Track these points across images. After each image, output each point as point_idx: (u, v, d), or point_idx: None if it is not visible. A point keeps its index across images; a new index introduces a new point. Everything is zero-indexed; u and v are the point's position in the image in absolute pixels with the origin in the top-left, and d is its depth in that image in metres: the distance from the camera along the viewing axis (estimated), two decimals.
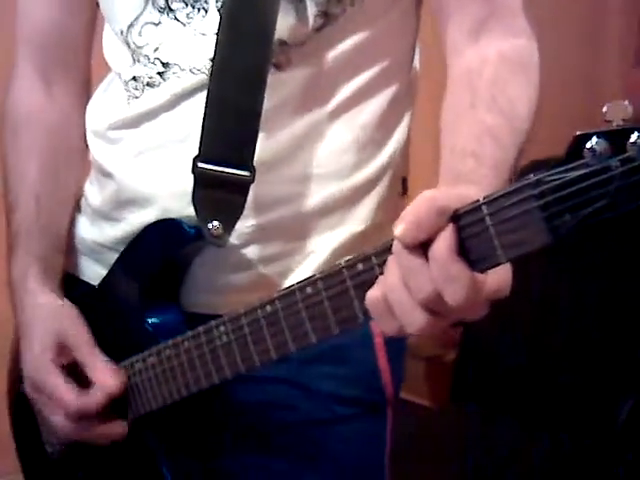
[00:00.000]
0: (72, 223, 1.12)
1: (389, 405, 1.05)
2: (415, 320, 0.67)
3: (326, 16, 0.93)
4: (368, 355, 1.03)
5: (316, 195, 0.97)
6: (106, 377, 0.99)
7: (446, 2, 0.93)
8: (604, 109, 0.59)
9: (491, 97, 0.84)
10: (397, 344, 1.06)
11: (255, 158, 0.93)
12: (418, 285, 0.66)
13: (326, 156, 0.97)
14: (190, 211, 0.94)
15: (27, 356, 1.03)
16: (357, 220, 0.99)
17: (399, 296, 0.67)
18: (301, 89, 0.95)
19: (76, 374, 1.00)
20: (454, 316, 0.68)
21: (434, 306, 0.66)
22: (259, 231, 0.97)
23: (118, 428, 1.01)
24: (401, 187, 1.06)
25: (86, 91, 1.15)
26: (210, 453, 1.03)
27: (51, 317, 1.02)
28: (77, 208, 1.13)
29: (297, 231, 0.98)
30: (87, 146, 1.11)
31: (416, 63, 1.05)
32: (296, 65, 0.94)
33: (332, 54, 0.95)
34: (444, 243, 0.65)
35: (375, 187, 1.01)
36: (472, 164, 0.78)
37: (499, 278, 0.68)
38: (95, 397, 0.98)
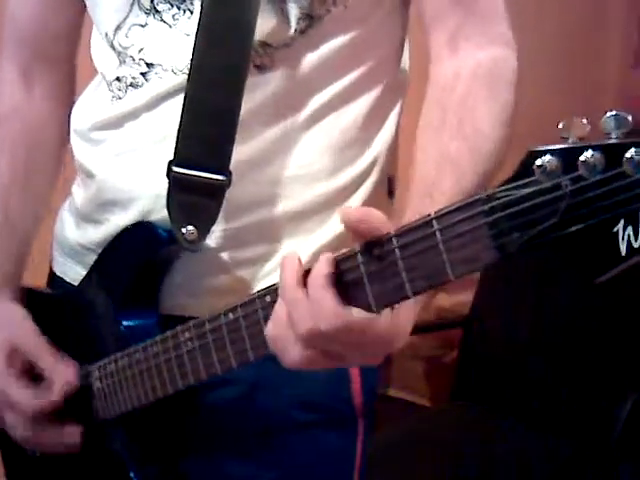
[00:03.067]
0: (59, 223, 1.12)
1: (359, 417, 1.02)
2: (291, 353, 0.72)
3: (310, 18, 0.92)
4: None
5: (296, 198, 0.96)
6: (60, 367, 1.00)
7: (425, 10, 0.92)
8: (560, 125, 0.58)
9: (458, 121, 0.85)
10: None
11: (233, 160, 0.92)
12: (297, 318, 0.70)
13: (307, 158, 0.96)
14: None
15: None
16: (339, 222, 0.98)
17: (283, 330, 0.72)
18: (283, 91, 0.94)
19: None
20: (336, 354, 0.72)
21: (314, 341, 0.70)
22: (236, 234, 0.95)
23: (72, 432, 1.01)
24: (387, 187, 1.04)
25: (70, 91, 1.14)
26: (177, 456, 1.02)
27: (1, 328, 1.04)
28: (66, 208, 1.12)
29: (275, 234, 0.97)
30: (65, 144, 1.11)
31: (405, 62, 1.04)
32: (279, 67, 0.93)
33: (316, 56, 0.94)
34: (318, 272, 0.70)
35: (360, 187, 0.99)
36: (428, 204, 0.79)
37: (393, 324, 0.71)
38: (51, 391, 0.99)
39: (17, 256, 1.10)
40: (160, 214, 0.95)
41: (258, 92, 0.92)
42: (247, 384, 0.98)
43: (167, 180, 0.92)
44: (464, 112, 0.85)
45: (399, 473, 1.89)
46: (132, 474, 1.00)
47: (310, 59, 0.93)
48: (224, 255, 0.96)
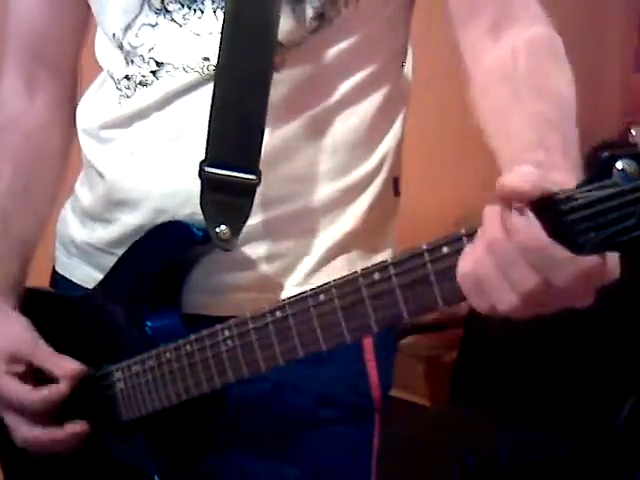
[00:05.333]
0: (62, 222, 1.12)
1: (377, 410, 1.03)
2: (511, 301, 0.67)
3: (322, 18, 0.93)
4: (355, 356, 1.01)
5: (309, 195, 0.97)
6: (62, 364, 1.01)
7: (459, 6, 0.92)
8: (633, 131, 0.59)
9: (534, 87, 0.82)
10: (387, 347, 1.04)
11: None
12: (518, 278, 0.65)
13: (318, 157, 0.97)
14: (184, 211, 0.94)
15: None
16: (350, 220, 0.99)
17: (498, 285, 0.66)
18: (294, 90, 0.94)
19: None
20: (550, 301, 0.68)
21: (538, 297, 0.66)
22: (258, 230, 0.96)
23: (77, 428, 1.01)
24: (393, 187, 1.05)
25: (72, 95, 1.14)
26: (199, 454, 1.02)
27: (1, 333, 1.04)
28: (69, 207, 1.12)
29: (293, 231, 0.97)
30: (67, 151, 1.12)
31: (408, 64, 1.05)
32: (290, 66, 0.94)
33: (326, 55, 0.95)
34: (537, 230, 0.63)
35: (368, 187, 1.00)
36: (543, 154, 0.73)
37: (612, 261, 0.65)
38: (53, 387, 1.00)
39: (18, 265, 1.09)
40: (173, 213, 0.96)
41: (271, 91, 0.92)
42: (271, 382, 0.99)
43: (199, 180, 0.92)
44: (538, 78, 0.83)
45: (399, 473, 1.89)
46: (156, 477, 1.00)
47: (320, 58, 0.95)
48: (246, 251, 0.96)
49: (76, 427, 1.01)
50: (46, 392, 1.00)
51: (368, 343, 1.01)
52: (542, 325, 2.12)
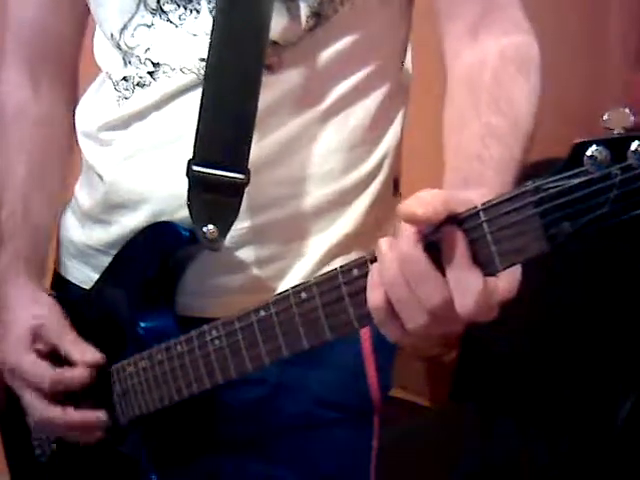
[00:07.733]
0: (63, 225, 1.13)
1: (376, 412, 1.03)
2: (420, 320, 0.68)
3: (318, 17, 0.92)
4: (355, 358, 1.01)
5: (308, 197, 0.97)
6: (84, 350, 1.00)
7: (441, 2, 0.93)
8: (605, 117, 0.59)
9: (493, 100, 0.84)
10: (386, 349, 1.03)
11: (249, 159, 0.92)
12: (428, 293, 0.67)
13: (317, 158, 0.96)
14: (183, 213, 0.93)
15: (3, 346, 1.04)
16: (349, 221, 0.99)
17: (406, 302, 0.68)
18: (292, 91, 0.94)
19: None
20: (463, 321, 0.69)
21: (444, 313, 0.67)
22: (252, 233, 0.96)
23: (98, 415, 1.01)
24: (393, 187, 1.05)
25: (73, 89, 1.15)
26: (196, 457, 1.02)
27: (26, 307, 1.04)
28: (69, 209, 1.13)
29: (290, 233, 0.97)
30: (73, 142, 1.12)
31: (408, 62, 1.05)
32: (287, 66, 0.93)
33: (323, 55, 0.94)
34: (458, 251, 0.65)
35: (367, 188, 1.00)
36: (478, 167, 0.78)
37: (510, 279, 0.68)
38: (75, 370, 1.00)
39: (40, 246, 1.10)
40: (173, 214, 0.95)
41: (268, 92, 0.92)
42: (270, 385, 0.99)
43: (187, 179, 0.91)
44: (499, 91, 0.85)
45: (399, 473, 1.89)
46: (154, 477, 1.00)
47: (318, 58, 0.94)
48: (241, 254, 0.96)
49: (92, 415, 1.01)
50: (64, 373, 1.00)
51: (367, 345, 1.01)
52: (542, 324, 2.13)
